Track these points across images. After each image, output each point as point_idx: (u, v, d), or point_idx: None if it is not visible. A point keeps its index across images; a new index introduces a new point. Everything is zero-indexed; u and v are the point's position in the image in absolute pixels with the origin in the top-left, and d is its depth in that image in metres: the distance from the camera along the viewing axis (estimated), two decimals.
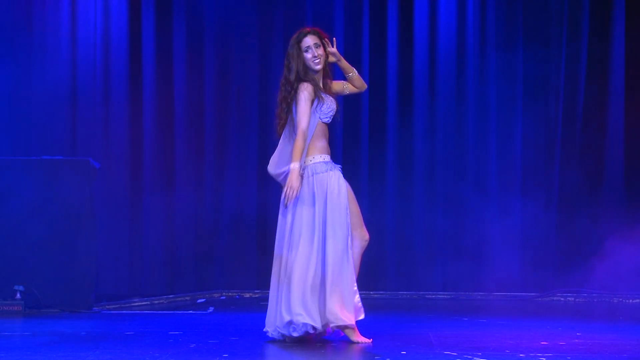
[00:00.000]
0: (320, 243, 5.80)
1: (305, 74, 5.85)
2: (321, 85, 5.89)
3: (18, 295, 7.35)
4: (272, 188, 8.71)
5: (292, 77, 5.85)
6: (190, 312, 7.63)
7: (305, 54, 5.85)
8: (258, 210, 8.70)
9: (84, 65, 8.47)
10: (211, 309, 7.76)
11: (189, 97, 8.65)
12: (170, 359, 5.31)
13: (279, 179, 6.04)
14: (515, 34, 8.68)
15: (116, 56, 8.51)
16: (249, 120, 8.74)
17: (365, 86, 6.15)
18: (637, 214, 8.55)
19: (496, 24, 8.69)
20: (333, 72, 5.98)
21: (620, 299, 8.43)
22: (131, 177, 8.53)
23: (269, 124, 8.75)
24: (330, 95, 5.91)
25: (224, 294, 8.61)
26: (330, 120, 5.91)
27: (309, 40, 5.85)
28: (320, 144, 5.90)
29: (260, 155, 8.73)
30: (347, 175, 6.01)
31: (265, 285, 8.70)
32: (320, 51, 5.85)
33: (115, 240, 8.41)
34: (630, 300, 8.41)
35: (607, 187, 8.63)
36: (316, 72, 5.87)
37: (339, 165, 5.94)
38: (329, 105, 5.87)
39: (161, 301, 8.16)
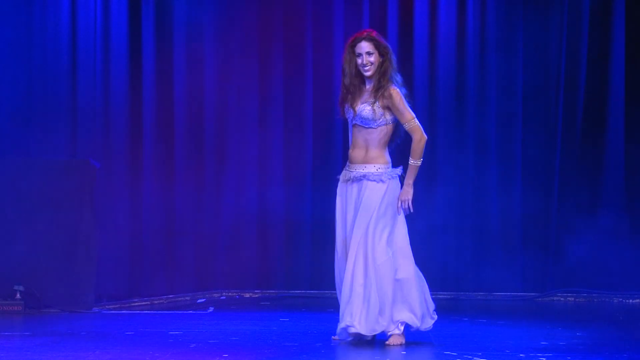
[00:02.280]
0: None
1: (352, 77, 5.89)
2: (367, 90, 5.88)
3: (18, 295, 7.34)
4: (272, 187, 8.71)
5: (346, 81, 5.91)
6: (190, 312, 7.64)
7: (357, 58, 5.87)
8: (258, 210, 8.70)
9: (84, 66, 8.45)
10: (211, 309, 7.77)
11: (189, 96, 8.64)
12: (170, 359, 5.31)
13: None
14: (515, 33, 8.67)
15: (116, 56, 8.50)
16: (249, 119, 8.73)
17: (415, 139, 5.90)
18: (637, 214, 8.55)
19: (496, 23, 8.69)
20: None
21: (620, 299, 8.44)
22: (131, 177, 8.52)
23: (269, 123, 8.75)
24: (370, 100, 5.86)
25: (224, 294, 8.61)
26: (352, 122, 5.91)
27: (363, 47, 5.85)
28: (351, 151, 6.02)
29: (260, 154, 8.73)
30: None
31: (265, 285, 8.75)
32: (372, 59, 5.85)
33: (115, 240, 8.40)
34: (630, 300, 8.41)
35: (608, 187, 8.63)
36: (367, 77, 5.89)
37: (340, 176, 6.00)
38: (351, 111, 5.91)
39: (161, 301, 8.16)
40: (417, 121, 5.83)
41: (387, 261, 5.76)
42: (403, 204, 5.84)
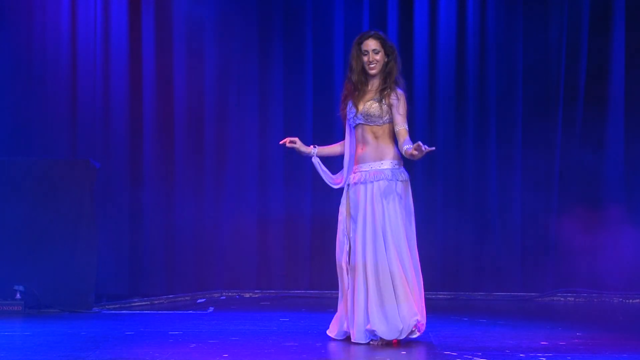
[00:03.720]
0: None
1: (358, 74, 5.92)
2: (369, 90, 5.90)
3: (18, 295, 7.35)
4: (272, 187, 8.71)
5: (354, 77, 5.93)
6: (190, 312, 7.64)
7: (363, 56, 5.90)
8: (258, 210, 8.69)
9: (84, 65, 8.47)
10: (211, 309, 7.77)
11: (189, 96, 8.65)
12: (170, 359, 5.31)
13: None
14: (516, 33, 8.67)
15: (116, 56, 8.51)
16: (249, 119, 8.73)
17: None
18: (637, 214, 8.55)
19: (496, 23, 8.68)
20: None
21: (620, 299, 8.44)
22: (131, 177, 8.53)
23: (269, 123, 8.74)
24: (376, 98, 5.86)
25: (224, 294, 8.61)
26: (354, 123, 5.91)
27: (370, 44, 5.90)
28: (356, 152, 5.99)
29: (260, 155, 8.72)
30: None
31: (265, 285, 8.74)
32: (378, 57, 5.89)
33: (115, 240, 8.41)
34: (630, 300, 8.41)
35: (608, 187, 8.63)
36: (371, 75, 5.91)
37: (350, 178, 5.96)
38: (353, 110, 5.92)
39: (161, 301, 8.15)
40: (407, 128, 5.84)
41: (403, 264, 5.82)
42: (421, 147, 5.56)
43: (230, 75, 8.71)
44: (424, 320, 5.82)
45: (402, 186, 5.85)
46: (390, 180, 5.81)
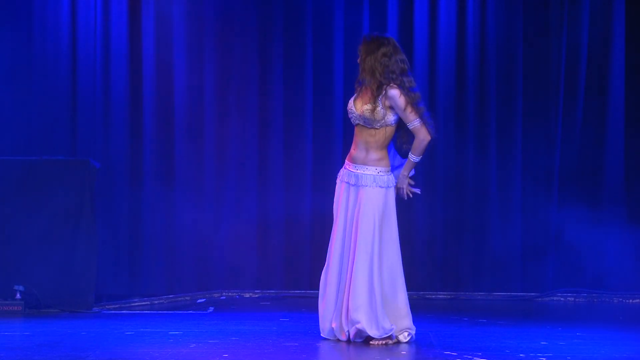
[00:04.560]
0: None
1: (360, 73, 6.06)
2: (361, 90, 5.98)
3: (18, 295, 7.34)
4: (272, 187, 8.71)
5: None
6: (190, 312, 7.63)
7: None
8: (258, 210, 8.69)
9: (84, 66, 8.46)
10: (211, 309, 7.76)
11: (189, 96, 8.64)
12: (170, 359, 5.31)
13: None
14: (515, 34, 8.67)
15: (116, 56, 8.51)
16: (249, 119, 8.73)
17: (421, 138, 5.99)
18: (637, 214, 8.55)
19: (496, 23, 8.68)
20: None
21: (620, 299, 8.44)
22: (131, 177, 8.52)
23: (269, 124, 8.74)
24: (371, 101, 5.88)
25: (224, 294, 8.61)
26: (354, 122, 5.99)
27: None
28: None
29: (260, 154, 8.72)
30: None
31: (265, 285, 8.74)
32: (359, 60, 6.00)
33: (115, 240, 8.40)
34: (630, 300, 8.41)
35: (608, 187, 8.63)
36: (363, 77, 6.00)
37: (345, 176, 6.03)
38: (354, 110, 5.98)
39: (161, 301, 8.15)
40: (420, 122, 5.89)
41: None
42: (400, 191, 5.92)
43: (231, 75, 8.71)
44: (370, 327, 5.77)
45: (382, 193, 5.90)
46: (371, 187, 5.89)
